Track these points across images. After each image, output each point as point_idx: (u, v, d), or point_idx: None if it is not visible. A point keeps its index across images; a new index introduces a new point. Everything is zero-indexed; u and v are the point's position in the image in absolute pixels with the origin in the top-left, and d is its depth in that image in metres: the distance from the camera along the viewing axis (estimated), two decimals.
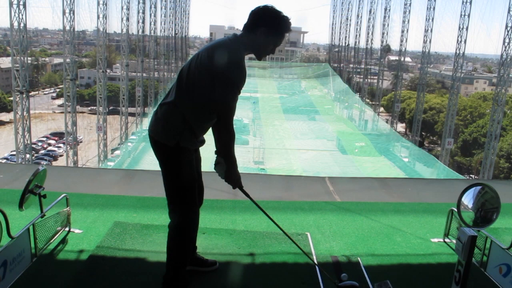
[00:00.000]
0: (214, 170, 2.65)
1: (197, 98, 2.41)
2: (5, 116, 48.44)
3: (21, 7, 21.16)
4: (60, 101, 54.42)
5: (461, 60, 28.48)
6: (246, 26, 2.42)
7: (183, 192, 2.57)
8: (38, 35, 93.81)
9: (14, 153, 25.41)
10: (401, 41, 35.13)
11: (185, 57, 47.15)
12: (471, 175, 35.70)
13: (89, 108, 51.46)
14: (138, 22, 33.50)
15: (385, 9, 37.52)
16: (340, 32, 52.08)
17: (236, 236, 3.55)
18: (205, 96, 2.38)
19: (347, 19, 48.40)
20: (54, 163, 34.69)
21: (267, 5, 2.39)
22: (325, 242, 3.54)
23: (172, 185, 2.58)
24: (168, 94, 2.54)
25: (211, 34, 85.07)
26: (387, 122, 39.53)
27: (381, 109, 46.87)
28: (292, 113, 39.06)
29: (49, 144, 43.00)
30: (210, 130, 2.63)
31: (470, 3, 26.93)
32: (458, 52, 27.98)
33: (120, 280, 2.86)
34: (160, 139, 2.49)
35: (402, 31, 34.85)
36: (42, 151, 40.37)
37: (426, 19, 31.13)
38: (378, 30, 39.16)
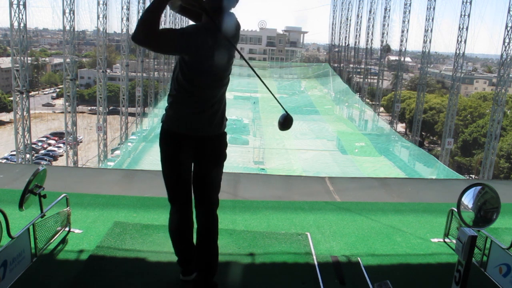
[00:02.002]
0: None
1: None
2: (5, 116, 48.46)
3: (21, 7, 21.18)
4: (59, 101, 54.44)
5: (461, 60, 28.49)
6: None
7: (165, 184, 2.67)
8: (38, 35, 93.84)
9: (14, 153, 25.44)
10: (401, 41, 35.17)
11: None
12: (471, 175, 35.71)
13: (89, 108, 51.50)
14: None
15: (385, 9, 37.55)
16: (340, 32, 52.10)
17: (236, 236, 3.54)
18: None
19: (347, 19, 48.40)
20: (54, 163, 34.70)
21: None
22: (325, 242, 3.54)
23: None
24: None
25: None
26: (389, 123, 39.52)
27: (381, 109, 46.88)
28: (292, 113, 38.94)
29: (49, 144, 43.01)
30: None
31: (470, 3, 26.94)
32: (458, 52, 27.99)
33: (120, 280, 2.86)
34: None
35: (402, 31, 34.88)
36: (42, 151, 40.38)
37: (426, 19, 31.17)
38: (378, 30, 39.23)
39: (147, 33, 2.14)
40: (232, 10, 2.44)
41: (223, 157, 2.64)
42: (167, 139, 2.55)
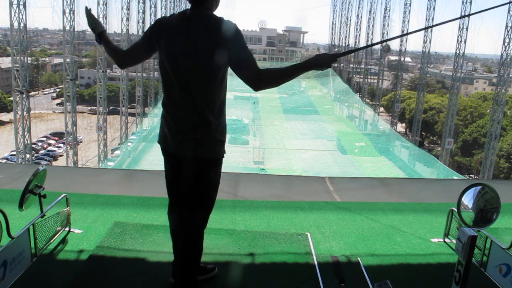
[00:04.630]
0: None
1: None
2: (5, 116, 48.46)
3: (21, 7, 21.20)
4: (59, 101, 54.40)
5: (461, 60, 28.51)
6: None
7: None
8: (38, 35, 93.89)
9: (14, 153, 25.45)
10: (401, 41, 35.19)
11: None
12: (471, 175, 35.71)
13: (89, 108, 51.51)
14: (138, 22, 33.53)
15: (385, 9, 37.57)
16: (340, 32, 52.15)
17: (236, 236, 3.54)
18: None
19: (347, 19, 48.44)
20: (54, 163, 34.71)
21: None
22: (325, 242, 3.54)
23: None
24: None
25: None
26: (391, 124, 39.51)
27: (381, 109, 46.88)
28: (292, 113, 39.07)
29: (49, 144, 43.01)
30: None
31: (470, 3, 26.94)
32: (458, 52, 28.01)
33: (120, 280, 2.86)
34: None
35: (402, 31, 34.86)
36: (42, 151, 40.37)
37: (426, 19, 31.17)
38: (378, 30, 39.23)
39: (117, 62, 2.56)
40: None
41: (206, 186, 2.44)
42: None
